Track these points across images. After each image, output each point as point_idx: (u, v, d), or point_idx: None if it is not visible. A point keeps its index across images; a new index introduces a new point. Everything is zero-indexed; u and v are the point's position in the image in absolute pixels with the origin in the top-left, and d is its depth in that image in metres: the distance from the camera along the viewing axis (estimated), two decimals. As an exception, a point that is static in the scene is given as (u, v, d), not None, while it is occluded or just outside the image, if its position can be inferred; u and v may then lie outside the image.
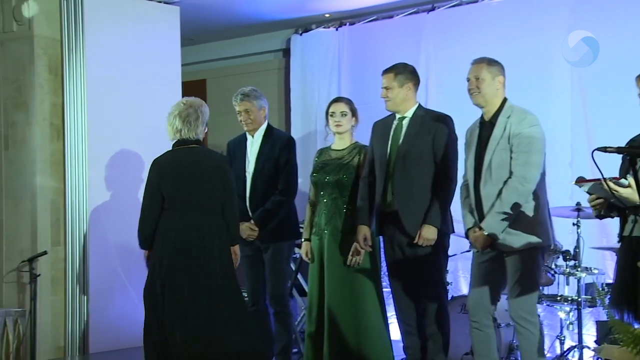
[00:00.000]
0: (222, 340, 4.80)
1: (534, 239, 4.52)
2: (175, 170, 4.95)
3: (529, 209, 4.52)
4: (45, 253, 6.66)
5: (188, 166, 4.95)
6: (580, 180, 3.99)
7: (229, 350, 4.80)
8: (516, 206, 4.46)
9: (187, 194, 4.91)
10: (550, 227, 4.65)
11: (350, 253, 5.13)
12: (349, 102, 5.38)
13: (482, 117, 4.73)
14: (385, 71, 5.12)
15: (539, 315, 4.69)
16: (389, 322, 5.33)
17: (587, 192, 4.06)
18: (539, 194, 4.55)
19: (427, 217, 4.90)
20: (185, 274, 4.83)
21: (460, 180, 4.92)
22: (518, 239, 4.51)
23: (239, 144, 5.79)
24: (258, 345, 4.96)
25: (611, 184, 3.73)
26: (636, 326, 3.80)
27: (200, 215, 4.89)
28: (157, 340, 4.86)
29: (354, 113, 5.34)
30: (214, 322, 4.82)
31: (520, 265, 4.54)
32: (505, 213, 4.46)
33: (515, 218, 4.48)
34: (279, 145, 5.62)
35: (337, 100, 5.45)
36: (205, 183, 4.93)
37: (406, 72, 5.08)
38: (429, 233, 4.88)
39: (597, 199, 4.07)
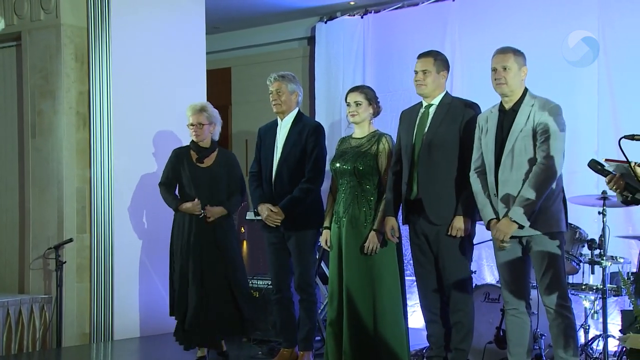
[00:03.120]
0: None
1: (553, 227, 4.54)
2: None
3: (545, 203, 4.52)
4: (71, 240, 6.73)
5: None
6: (608, 160, 3.93)
7: None
8: (543, 192, 4.46)
9: None
10: (565, 214, 4.65)
11: (367, 241, 5.10)
12: (364, 91, 5.28)
13: (501, 105, 4.71)
14: (424, 54, 5.05)
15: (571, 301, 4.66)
16: (408, 310, 5.32)
17: (612, 172, 3.99)
18: (557, 181, 4.56)
19: (458, 207, 4.87)
20: None
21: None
22: (538, 228, 4.52)
23: (269, 130, 5.81)
24: None
25: (638, 169, 3.69)
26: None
27: None
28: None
29: (370, 102, 5.24)
30: None
31: (545, 253, 4.53)
32: (532, 200, 4.45)
33: (533, 212, 4.48)
34: (306, 132, 5.61)
35: (352, 90, 5.34)
36: None
37: (443, 59, 5.06)
38: (461, 223, 4.87)
39: (612, 179, 3.95)
